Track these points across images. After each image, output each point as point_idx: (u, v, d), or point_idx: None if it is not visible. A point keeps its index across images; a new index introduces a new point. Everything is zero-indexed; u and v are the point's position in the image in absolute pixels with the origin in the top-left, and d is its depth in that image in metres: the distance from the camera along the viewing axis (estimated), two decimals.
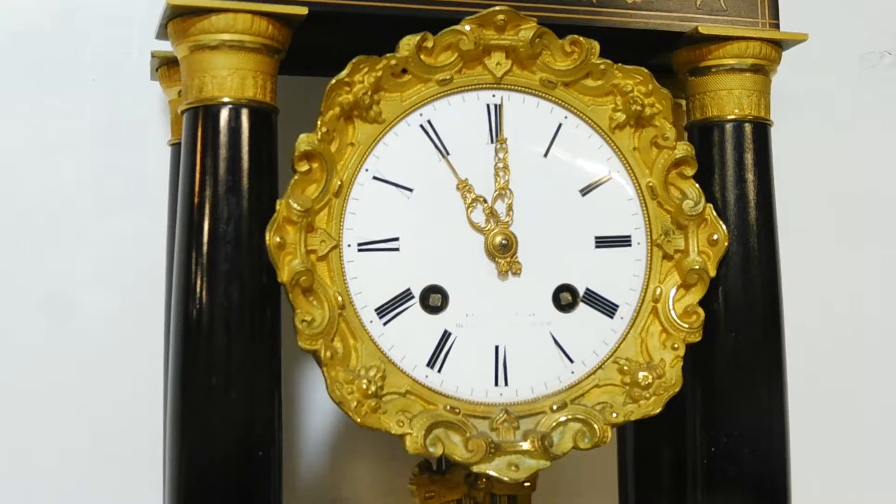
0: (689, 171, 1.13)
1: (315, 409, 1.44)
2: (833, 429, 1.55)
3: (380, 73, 1.06)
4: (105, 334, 1.40)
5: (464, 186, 1.09)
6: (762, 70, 1.16)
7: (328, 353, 1.03)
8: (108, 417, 1.40)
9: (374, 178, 1.07)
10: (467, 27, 1.07)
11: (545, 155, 1.12)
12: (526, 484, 1.20)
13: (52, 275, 1.39)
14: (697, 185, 1.13)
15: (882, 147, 1.63)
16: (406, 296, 1.07)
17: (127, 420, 1.40)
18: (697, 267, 1.12)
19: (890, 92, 1.64)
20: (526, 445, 1.06)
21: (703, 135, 1.17)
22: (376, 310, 1.06)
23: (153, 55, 1.26)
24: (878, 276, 1.60)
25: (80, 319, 1.40)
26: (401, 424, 1.04)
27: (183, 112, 1.06)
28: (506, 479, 1.04)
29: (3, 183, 1.39)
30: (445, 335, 1.08)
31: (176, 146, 1.26)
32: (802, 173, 1.54)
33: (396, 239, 1.07)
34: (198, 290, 1.03)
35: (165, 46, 1.11)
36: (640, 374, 1.10)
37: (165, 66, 1.26)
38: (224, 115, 1.03)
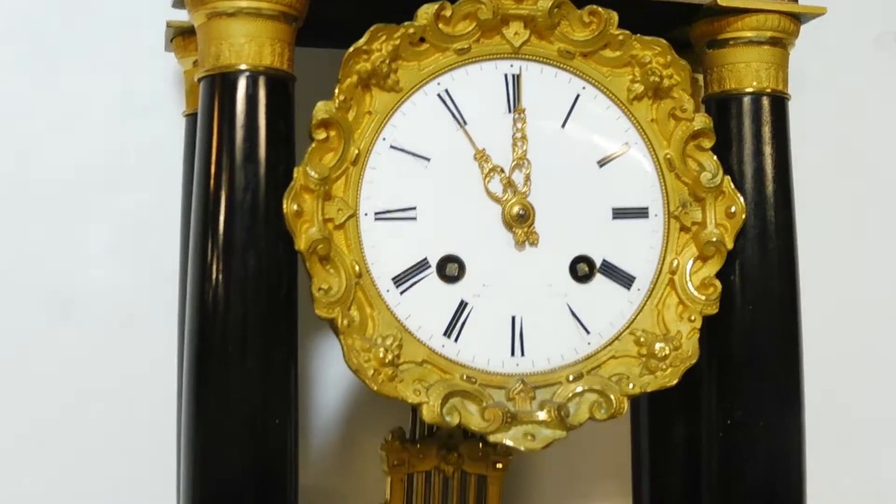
0: (707, 143, 1.13)
1: (329, 385, 1.43)
2: (848, 401, 1.55)
3: (398, 42, 1.06)
4: (119, 308, 1.40)
5: (481, 156, 1.09)
6: (780, 43, 1.16)
7: (345, 322, 1.03)
8: (123, 392, 1.40)
9: (392, 147, 1.07)
10: None
11: (563, 125, 1.11)
12: (498, 465, 1.21)
13: (65, 249, 1.39)
14: (715, 157, 1.12)
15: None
16: (423, 265, 1.07)
17: (142, 395, 1.40)
18: (715, 239, 1.11)
19: None
20: (542, 416, 1.06)
21: (721, 108, 1.16)
22: (393, 279, 1.06)
23: (168, 25, 1.25)
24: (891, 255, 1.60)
25: (93, 294, 1.40)
26: (417, 393, 1.04)
27: (199, 80, 1.06)
28: (522, 448, 1.04)
29: (16, 157, 1.38)
30: (462, 305, 1.08)
31: (190, 117, 1.26)
32: (814, 151, 1.53)
33: (413, 208, 1.07)
34: (214, 259, 1.03)
35: (180, 16, 1.11)
36: (657, 346, 1.09)
37: (180, 37, 1.26)
38: (241, 82, 1.03)
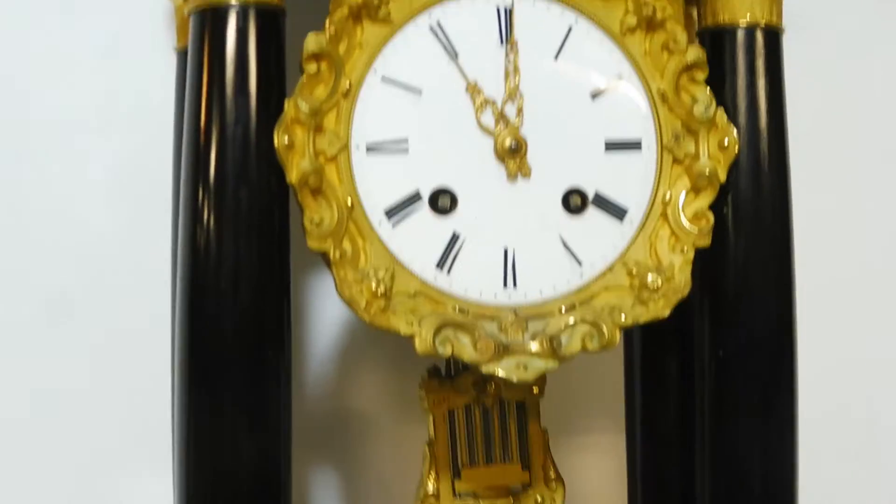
0: (701, 76, 1.12)
1: (323, 319, 1.44)
2: (840, 333, 1.55)
3: None
4: (111, 247, 1.40)
5: (473, 89, 1.08)
6: None
7: (337, 254, 1.03)
8: (116, 329, 1.40)
9: (383, 79, 1.07)
10: None
11: (555, 58, 1.11)
12: (535, 389, 1.21)
13: (56, 190, 1.39)
14: (709, 90, 1.12)
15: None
16: (415, 198, 1.07)
17: (135, 330, 1.40)
18: (707, 171, 1.11)
19: None
20: (534, 347, 1.06)
21: (715, 41, 1.15)
22: (385, 211, 1.06)
23: None
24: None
25: (85, 233, 1.40)
26: (410, 325, 1.04)
27: (189, 14, 1.06)
28: (514, 379, 1.05)
29: (4, 98, 1.38)
30: (454, 237, 1.08)
31: (182, 53, 1.25)
32: (813, 88, 1.52)
33: (405, 140, 1.07)
34: (206, 193, 1.03)
35: None
36: (649, 278, 1.09)
37: None
38: (231, 16, 1.03)
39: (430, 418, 1.20)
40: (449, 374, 1.20)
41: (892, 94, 1.59)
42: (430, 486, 1.19)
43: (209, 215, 1.03)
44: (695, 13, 1.20)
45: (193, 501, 1.04)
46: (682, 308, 1.11)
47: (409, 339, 1.04)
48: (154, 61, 1.38)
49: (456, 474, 1.20)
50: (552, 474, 1.22)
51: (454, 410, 1.20)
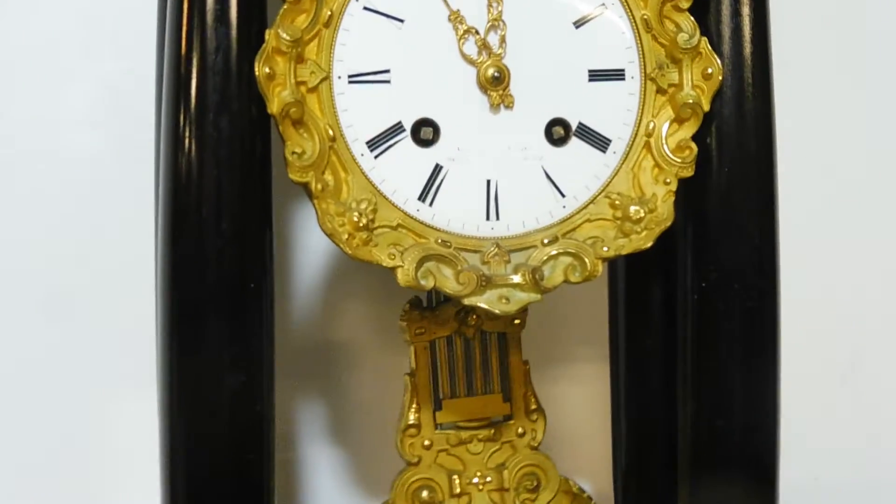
0: (685, 4, 1.11)
1: (306, 250, 1.44)
2: (821, 265, 1.56)
3: None
4: (94, 175, 1.40)
5: (455, 17, 1.07)
6: None
7: (319, 186, 1.02)
8: (99, 260, 1.40)
9: (365, 8, 1.06)
10: None
11: None
12: (516, 321, 1.21)
13: (38, 118, 1.39)
14: (692, 19, 1.11)
15: None
16: (397, 129, 1.06)
17: (118, 264, 1.41)
18: (691, 101, 1.11)
19: None
20: (517, 279, 1.06)
21: None
22: (367, 143, 1.06)
23: None
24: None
25: (68, 162, 1.40)
26: (392, 257, 1.04)
27: None
28: (497, 311, 1.05)
29: None
30: (437, 169, 1.07)
31: None
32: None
33: (387, 71, 1.06)
34: (187, 122, 1.03)
35: None
36: (632, 209, 1.09)
37: None
38: None
39: (412, 349, 1.20)
40: (430, 306, 1.20)
41: (880, 23, 1.58)
42: (412, 417, 1.19)
43: (190, 144, 1.03)
44: None
45: (177, 432, 1.05)
46: (666, 237, 1.11)
47: (392, 272, 1.04)
48: None
49: (437, 406, 1.20)
50: (533, 405, 1.23)
51: (435, 342, 1.20)
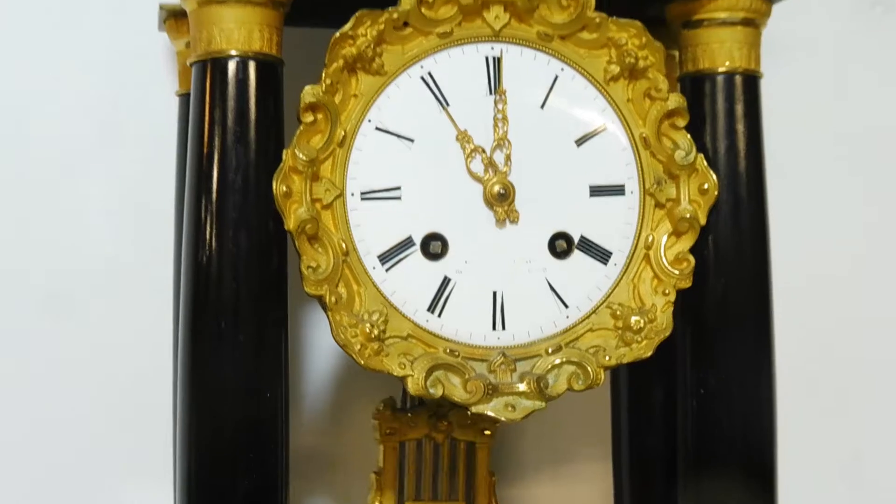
0: (681, 122, 1.16)
1: (320, 354, 1.48)
2: (820, 366, 1.59)
3: (382, 27, 1.09)
4: (114, 281, 1.45)
5: (463, 137, 1.12)
6: (752, 23, 1.19)
7: (333, 298, 1.07)
8: (118, 363, 1.44)
9: (377, 128, 1.11)
10: None
11: (542, 106, 1.15)
12: (486, 432, 1.25)
13: (59, 221, 1.44)
14: (689, 136, 1.16)
15: (874, 93, 1.65)
16: (407, 243, 1.11)
17: (136, 366, 1.44)
18: (688, 215, 1.15)
19: (881, 40, 1.65)
20: (522, 387, 1.10)
21: (695, 86, 1.20)
22: (379, 256, 1.10)
23: (161, 7, 1.28)
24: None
25: (88, 260, 1.44)
26: (402, 367, 1.08)
27: (192, 64, 1.10)
28: (503, 418, 1.08)
29: (10, 129, 1.43)
30: (445, 281, 1.11)
31: (184, 97, 1.29)
32: (793, 120, 1.56)
33: (398, 188, 1.11)
34: (207, 236, 1.07)
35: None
36: (633, 319, 1.13)
37: (173, 18, 1.29)
38: (231, 67, 1.07)
39: (381, 448, 1.24)
40: (404, 407, 1.24)
41: (868, 132, 1.62)
42: None
43: (210, 257, 1.07)
44: (678, 56, 1.24)
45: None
46: (667, 341, 1.14)
47: (402, 380, 1.08)
48: (156, 100, 1.42)
49: None
50: None
51: (405, 443, 1.24)
